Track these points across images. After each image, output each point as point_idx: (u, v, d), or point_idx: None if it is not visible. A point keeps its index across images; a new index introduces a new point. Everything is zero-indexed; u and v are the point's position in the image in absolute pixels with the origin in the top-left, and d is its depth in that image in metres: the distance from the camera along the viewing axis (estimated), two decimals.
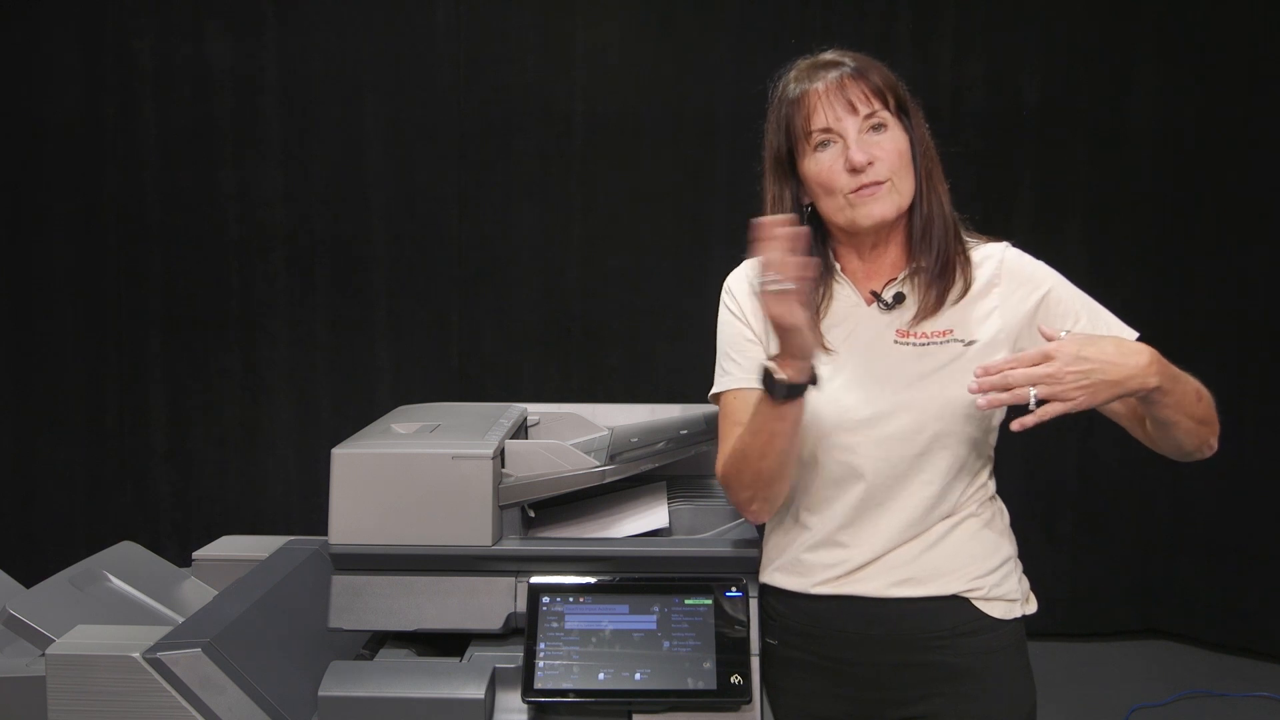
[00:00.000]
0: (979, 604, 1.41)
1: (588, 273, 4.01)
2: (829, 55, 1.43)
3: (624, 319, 4.02)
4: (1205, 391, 1.36)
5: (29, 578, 1.71)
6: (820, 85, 1.39)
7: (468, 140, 3.99)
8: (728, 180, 3.90)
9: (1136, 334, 1.40)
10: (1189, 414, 1.33)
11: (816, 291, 1.44)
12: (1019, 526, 1.52)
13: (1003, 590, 1.43)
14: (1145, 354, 1.26)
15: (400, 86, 3.96)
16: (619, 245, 4.00)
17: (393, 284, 4.02)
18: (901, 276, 1.44)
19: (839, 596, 1.41)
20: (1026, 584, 1.49)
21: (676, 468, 1.71)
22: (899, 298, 1.44)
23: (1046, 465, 3.92)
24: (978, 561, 1.42)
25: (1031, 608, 1.48)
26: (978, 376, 1.26)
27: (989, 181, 3.86)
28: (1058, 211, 3.91)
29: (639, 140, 3.97)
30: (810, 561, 1.43)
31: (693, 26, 3.94)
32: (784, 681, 1.47)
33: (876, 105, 1.38)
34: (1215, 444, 1.41)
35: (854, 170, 1.37)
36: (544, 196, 4.00)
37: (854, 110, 1.38)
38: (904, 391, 1.39)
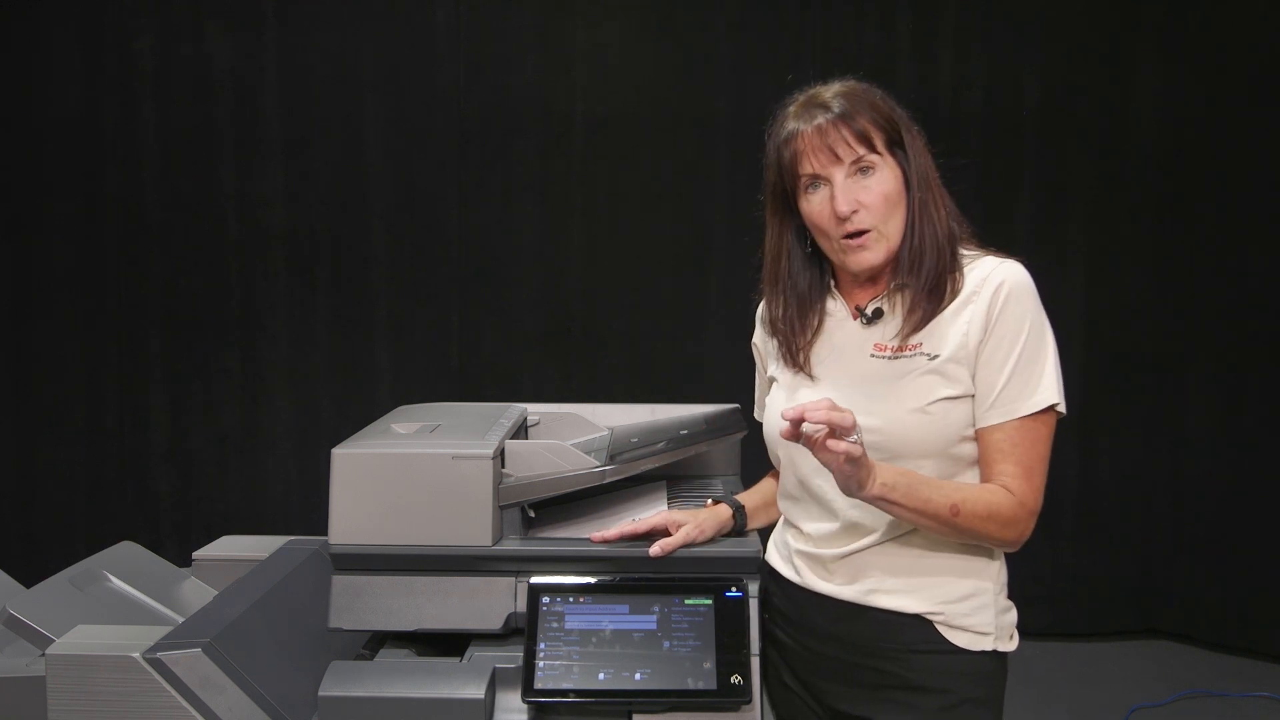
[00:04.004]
0: (942, 628, 1.40)
1: (588, 273, 4.01)
2: (823, 93, 1.42)
3: (624, 319, 4.02)
4: (967, 522, 1.34)
5: (29, 578, 1.70)
6: (808, 128, 1.39)
7: (468, 140, 3.98)
8: (728, 180, 3.89)
9: (1051, 401, 1.36)
10: (934, 527, 1.36)
11: (811, 310, 1.49)
12: None
13: (972, 621, 1.41)
14: (870, 486, 1.29)
15: (400, 86, 3.96)
16: (619, 245, 4.00)
17: (393, 284, 4.02)
18: (884, 294, 1.46)
19: (815, 593, 1.47)
20: (1010, 620, 1.46)
21: (676, 468, 1.71)
22: (878, 313, 1.45)
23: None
24: (948, 583, 1.41)
25: (1008, 646, 1.44)
26: (786, 417, 1.22)
27: (989, 182, 3.85)
28: (1057, 212, 3.90)
29: (639, 140, 3.97)
30: (797, 553, 1.50)
31: (693, 26, 3.94)
32: (767, 652, 1.52)
33: (861, 150, 1.38)
34: (1010, 545, 1.40)
35: (840, 218, 1.39)
36: (544, 196, 4.00)
37: (838, 158, 1.38)
38: (871, 403, 1.40)
